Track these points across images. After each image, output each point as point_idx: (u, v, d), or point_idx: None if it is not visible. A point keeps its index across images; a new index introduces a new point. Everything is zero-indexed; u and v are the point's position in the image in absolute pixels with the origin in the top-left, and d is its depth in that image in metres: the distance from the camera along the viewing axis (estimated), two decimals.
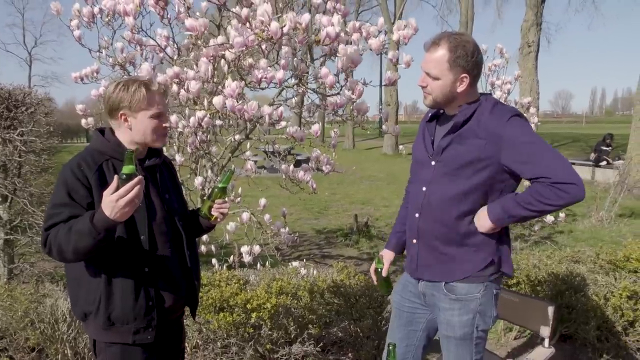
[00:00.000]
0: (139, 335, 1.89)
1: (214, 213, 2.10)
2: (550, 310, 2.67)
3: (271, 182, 9.13)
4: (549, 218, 5.76)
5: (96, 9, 3.37)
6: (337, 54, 2.85)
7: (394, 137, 26.77)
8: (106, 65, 3.60)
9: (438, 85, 2.04)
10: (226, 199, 2.11)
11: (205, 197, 2.13)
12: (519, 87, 15.09)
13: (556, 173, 1.91)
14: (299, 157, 14.58)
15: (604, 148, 15.68)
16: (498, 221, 2.03)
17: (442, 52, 2.00)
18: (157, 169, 2.02)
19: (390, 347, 1.78)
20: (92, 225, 1.64)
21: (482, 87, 5.31)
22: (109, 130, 1.97)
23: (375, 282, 2.48)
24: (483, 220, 2.05)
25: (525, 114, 5.52)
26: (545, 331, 2.69)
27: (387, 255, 2.44)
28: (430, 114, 2.24)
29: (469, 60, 2.00)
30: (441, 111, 2.19)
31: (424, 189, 2.17)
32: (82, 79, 3.51)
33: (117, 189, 1.60)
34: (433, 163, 2.14)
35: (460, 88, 2.03)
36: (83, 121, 3.66)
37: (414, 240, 2.22)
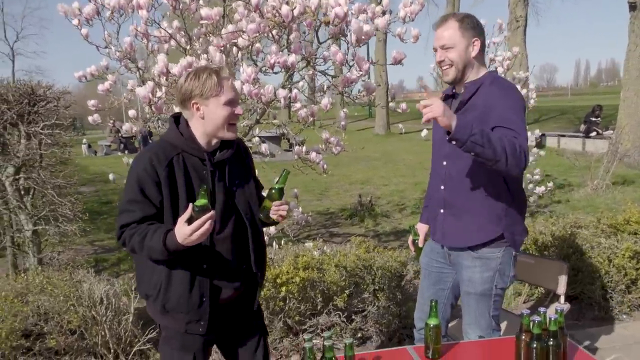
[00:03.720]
0: (191, 325, 1.98)
1: (273, 215, 2.04)
2: (564, 268, 2.88)
3: (268, 167, 9.29)
4: (540, 189, 6.02)
5: (100, 4, 3.37)
6: (348, 29, 2.98)
7: (385, 117, 26.88)
8: (115, 60, 3.65)
9: (455, 54, 2.21)
10: (284, 199, 2.03)
11: (265, 198, 2.03)
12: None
13: (523, 142, 2.03)
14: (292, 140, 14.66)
15: (593, 119, 15.99)
16: (458, 128, 1.92)
17: (452, 24, 2.22)
18: (227, 162, 2.01)
19: (433, 303, 1.98)
20: (164, 247, 1.78)
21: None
22: (184, 121, 1.98)
23: (413, 252, 2.68)
24: (438, 109, 1.91)
25: (523, 89, 5.70)
26: (560, 288, 2.90)
27: (422, 227, 2.66)
28: (445, 94, 2.41)
29: (475, 26, 2.23)
30: (454, 90, 2.36)
31: (444, 163, 2.36)
32: (85, 78, 3.50)
33: (191, 218, 1.72)
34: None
35: (474, 52, 2.23)
36: (90, 118, 3.65)
37: (441, 210, 2.40)
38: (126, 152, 15.39)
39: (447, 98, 2.40)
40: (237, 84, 3.06)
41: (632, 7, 11.77)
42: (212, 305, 1.98)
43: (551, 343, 1.82)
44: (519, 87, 5.62)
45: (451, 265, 2.48)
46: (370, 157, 16.43)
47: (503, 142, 1.94)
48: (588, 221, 4.80)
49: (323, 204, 9.26)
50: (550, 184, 6.39)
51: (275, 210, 2.02)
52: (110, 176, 4.24)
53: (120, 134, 20.04)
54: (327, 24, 3.00)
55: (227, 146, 2.02)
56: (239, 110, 1.95)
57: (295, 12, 2.85)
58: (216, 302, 2.00)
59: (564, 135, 17.36)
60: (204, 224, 1.71)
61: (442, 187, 2.38)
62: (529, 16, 17.40)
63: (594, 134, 15.58)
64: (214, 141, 1.98)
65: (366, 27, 2.93)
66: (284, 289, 3.39)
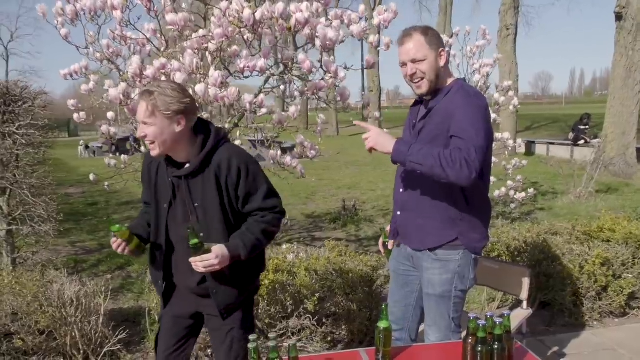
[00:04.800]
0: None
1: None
2: (527, 274, 2.91)
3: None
4: (520, 195, 6.07)
5: (79, 6, 3.40)
6: (316, 36, 3.00)
7: (377, 123, 26.89)
8: (94, 61, 3.67)
9: (427, 66, 2.26)
10: (205, 254, 2.01)
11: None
12: (499, 70, 15.36)
13: (470, 153, 2.07)
14: (284, 145, 14.74)
15: (582, 127, 16.13)
16: (395, 152, 2.15)
17: (418, 37, 2.26)
18: (187, 177, 2.10)
19: (384, 306, 2.01)
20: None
21: (463, 70, 5.53)
22: None
23: (383, 254, 2.73)
24: (385, 141, 2.18)
25: (504, 97, 5.75)
26: (523, 294, 2.93)
27: None
28: (415, 100, 2.48)
29: (438, 37, 2.32)
30: (423, 97, 2.40)
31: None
32: (71, 76, 3.55)
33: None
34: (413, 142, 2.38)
35: (442, 62, 2.30)
36: (75, 115, 3.69)
37: (398, 212, 2.45)
38: (117, 153, 15.35)
39: (417, 104, 2.47)
40: (202, 86, 3.05)
41: (618, 18, 11.90)
42: (173, 289, 2.28)
43: (496, 347, 1.85)
44: (497, 95, 5.70)
45: (416, 268, 2.51)
46: (360, 161, 16.49)
47: (440, 158, 2.04)
48: (563, 228, 4.84)
49: (308, 208, 9.28)
50: (532, 190, 6.46)
51: (194, 265, 2.04)
52: (91, 177, 4.25)
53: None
54: (290, 29, 3.04)
55: (193, 165, 2.09)
56: (139, 132, 2.03)
57: (257, 16, 2.87)
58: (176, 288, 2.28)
59: (553, 143, 17.52)
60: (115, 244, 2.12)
61: (401, 190, 2.44)
62: (520, 25, 17.61)
63: (582, 142, 15.72)
64: (176, 156, 2.12)
65: (331, 33, 2.95)
66: None
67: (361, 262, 3.88)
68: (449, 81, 2.34)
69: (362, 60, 29.16)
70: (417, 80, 2.30)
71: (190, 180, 2.10)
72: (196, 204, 2.10)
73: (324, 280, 3.75)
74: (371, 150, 2.17)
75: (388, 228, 2.73)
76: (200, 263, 1.97)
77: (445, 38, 5.91)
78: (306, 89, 3.46)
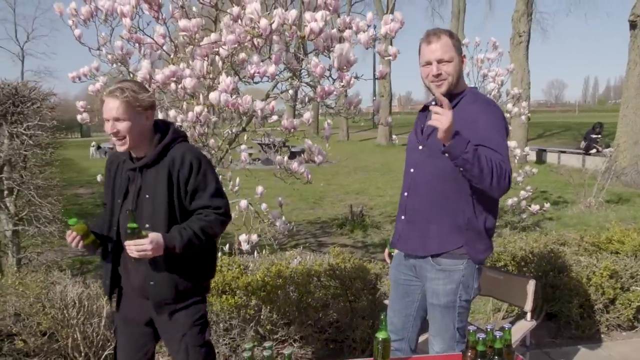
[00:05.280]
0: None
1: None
2: (531, 285, 2.86)
3: (265, 174, 9.29)
4: (534, 207, 5.96)
5: (93, 7, 3.42)
6: (332, 51, 2.98)
7: (387, 128, 26.92)
8: (106, 63, 3.68)
9: (453, 67, 2.27)
10: (140, 238, 2.05)
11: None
12: (510, 77, 15.26)
13: (509, 165, 2.09)
14: (293, 149, 14.75)
15: (594, 136, 15.91)
16: (454, 143, 1.98)
17: (446, 39, 2.27)
18: (143, 170, 2.19)
19: (382, 316, 1.98)
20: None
21: (474, 78, 5.49)
22: None
23: (389, 263, 2.70)
24: (446, 122, 1.97)
25: (516, 106, 5.69)
26: (527, 305, 2.88)
27: None
28: (426, 104, 2.44)
29: (460, 44, 2.34)
30: (433, 102, 2.36)
31: (411, 170, 2.39)
32: (79, 78, 3.57)
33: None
34: (420, 147, 2.37)
35: (463, 66, 2.33)
36: (79, 117, 3.69)
37: (402, 217, 2.42)
38: None
39: (425, 109, 2.43)
40: (216, 93, 3.05)
41: (632, 26, 11.78)
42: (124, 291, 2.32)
43: None
44: (510, 105, 5.64)
45: (418, 277, 2.48)
46: (369, 167, 16.46)
47: (491, 164, 1.99)
48: (571, 239, 4.78)
49: (315, 213, 9.26)
50: (547, 205, 6.25)
51: (128, 248, 2.08)
52: (98, 177, 4.24)
53: None
54: (303, 38, 3.01)
55: (150, 157, 2.18)
56: (108, 127, 2.11)
57: (274, 25, 2.86)
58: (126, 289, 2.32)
59: (564, 152, 17.33)
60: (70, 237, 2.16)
61: (406, 194, 2.40)
62: (533, 32, 17.49)
63: (593, 151, 15.49)
64: (137, 151, 2.21)
65: (345, 47, 2.95)
66: (254, 297, 3.39)
67: (365, 269, 3.85)
68: (462, 87, 2.35)
69: (374, 67, 29.16)
70: (440, 81, 2.28)
71: (145, 172, 2.19)
72: (147, 196, 2.16)
73: (327, 287, 3.73)
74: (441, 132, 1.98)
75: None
76: (134, 247, 2.03)
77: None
78: (314, 95, 3.42)
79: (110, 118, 2.09)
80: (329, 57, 3.09)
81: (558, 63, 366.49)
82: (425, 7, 75.63)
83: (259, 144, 14.71)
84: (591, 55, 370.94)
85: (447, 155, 2.00)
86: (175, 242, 2.10)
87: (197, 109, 3.32)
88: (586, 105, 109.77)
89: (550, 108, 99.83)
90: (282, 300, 3.53)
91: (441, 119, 1.96)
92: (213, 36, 3.22)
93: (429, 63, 2.28)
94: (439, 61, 2.26)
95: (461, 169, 2.01)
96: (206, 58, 3.25)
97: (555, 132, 26.96)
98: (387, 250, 2.72)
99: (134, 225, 2.01)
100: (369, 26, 3.28)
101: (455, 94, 2.30)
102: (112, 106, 2.08)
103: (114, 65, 3.69)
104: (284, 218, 4.00)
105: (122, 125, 2.10)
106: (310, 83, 3.54)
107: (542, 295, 4.03)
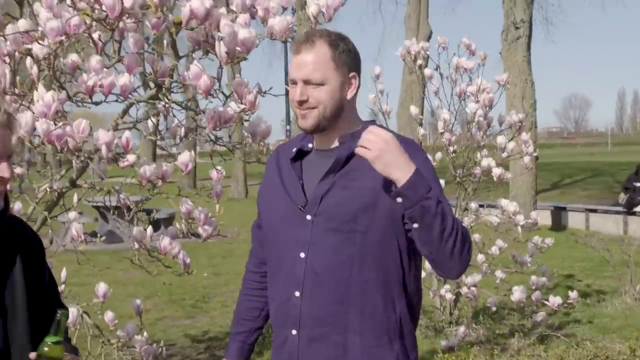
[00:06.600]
0: None
1: None
2: None
3: (111, 259, 7.15)
4: (554, 300, 4.25)
5: None
6: (219, 35, 2.12)
7: None
8: None
9: (326, 93, 1.66)
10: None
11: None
12: (505, 94, 10.22)
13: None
14: (159, 216, 11.62)
15: (639, 185, 10.92)
16: (412, 182, 1.46)
17: (322, 50, 1.66)
18: None
19: None
20: None
21: (446, 98, 4.12)
22: None
23: None
24: (400, 157, 1.46)
25: (515, 140, 4.26)
26: None
27: None
28: (294, 150, 1.75)
29: (354, 55, 1.72)
30: (309, 145, 1.74)
31: (302, 255, 1.69)
32: None
33: None
34: (309, 217, 1.69)
35: (350, 93, 1.71)
36: None
37: (293, 332, 1.73)
38: None
39: (299, 156, 1.73)
40: (29, 116, 2.10)
41: None
42: None
43: None
44: (504, 139, 4.08)
45: None
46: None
47: (456, 225, 1.55)
48: (617, 352, 3.75)
49: (197, 324, 6.91)
50: (574, 296, 4.47)
51: None
52: None
53: None
54: (179, 25, 2.18)
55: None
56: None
57: (127, 3, 2.05)
58: None
59: (594, 210, 12.00)
60: None
61: (298, 294, 1.69)
62: (535, 22, 12.12)
63: (639, 208, 10.81)
64: None
65: (243, 33, 2.08)
66: None
67: None
68: (356, 122, 1.75)
69: (286, 78, 16.14)
70: (305, 110, 1.67)
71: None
72: None
73: None
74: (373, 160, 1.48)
75: None
76: None
77: (419, 44, 4.47)
78: (201, 122, 2.51)
79: None
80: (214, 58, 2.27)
81: (578, 69, 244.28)
82: None
83: (95, 207, 10.80)
84: (628, 58, 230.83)
85: (399, 199, 1.51)
86: None
87: None
88: (624, 135, 79.78)
89: (568, 139, 73.17)
90: None
91: (373, 141, 1.50)
92: (21, 23, 2.20)
93: (294, 82, 1.67)
94: (306, 81, 1.63)
95: (415, 224, 1.51)
96: (9, 60, 2.18)
97: (578, 178, 19.41)
98: None
99: (59, 338, 1.50)
100: (284, 9, 2.35)
101: (351, 134, 1.67)
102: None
103: None
104: (146, 335, 2.82)
105: None
106: (186, 105, 2.63)
107: None
